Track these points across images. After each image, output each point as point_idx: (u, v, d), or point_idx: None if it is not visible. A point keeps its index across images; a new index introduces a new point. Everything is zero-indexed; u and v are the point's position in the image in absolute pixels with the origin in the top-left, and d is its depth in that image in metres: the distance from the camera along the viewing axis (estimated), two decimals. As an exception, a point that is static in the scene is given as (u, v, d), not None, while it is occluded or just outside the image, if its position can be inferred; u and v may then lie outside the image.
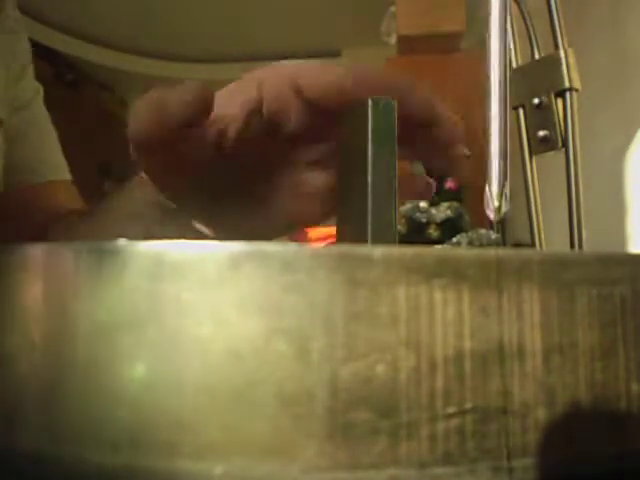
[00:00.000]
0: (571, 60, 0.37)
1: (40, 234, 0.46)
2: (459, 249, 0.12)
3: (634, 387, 0.12)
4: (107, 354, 0.11)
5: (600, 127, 0.86)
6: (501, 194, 0.21)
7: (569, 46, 0.36)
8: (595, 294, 0.12)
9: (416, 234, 1.42)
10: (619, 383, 0.12)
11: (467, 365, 0.11)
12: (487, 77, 0.23)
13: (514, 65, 0.38)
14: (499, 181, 0.21)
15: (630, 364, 0.12)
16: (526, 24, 0.36)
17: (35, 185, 0.49)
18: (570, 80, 0.36)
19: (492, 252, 0.12)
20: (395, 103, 0.22)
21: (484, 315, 0.11)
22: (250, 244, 0.10)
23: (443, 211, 1.41)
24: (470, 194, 1.49)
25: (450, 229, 1.41)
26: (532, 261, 0.12)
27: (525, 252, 0.12)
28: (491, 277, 0.11)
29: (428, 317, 0.11)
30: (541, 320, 0.11)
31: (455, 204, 1.42)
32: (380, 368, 0.10)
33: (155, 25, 2.89)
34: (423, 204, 1.42)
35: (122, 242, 0.11)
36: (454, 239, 1.39)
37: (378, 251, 0.11)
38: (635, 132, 0.84)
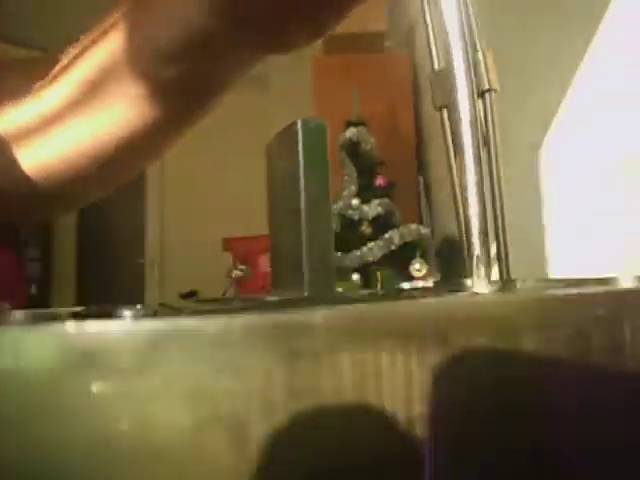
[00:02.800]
0: (490, 61, 0.38)
1: None
2: (403, 301, 0.11)
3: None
4: None
5: (516, 126, 0.89)
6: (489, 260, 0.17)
7: (487, 48, 0.37)
8: (541, 338, 0.12)
9: (349, 231, 1.44)
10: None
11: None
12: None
13: (436, 67, 0.39)
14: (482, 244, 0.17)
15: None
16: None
17: None
18: (489, 81, 0.37)
19: (438, 304, 0.11)
20: (326, 124, 0.21)
21: (432, 375, 0.10)
22: (172, 321, 0.09)
23: (374, 208, 1.43)
24: (399, 190, 1.52)
25: (382, 225, 1.43)
26: (479, 307, 0.11)
27: (471, 300, 0.11)
28: (439, 332, 0.11)
29: (375, 384, 0.10)
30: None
31: (386, 200, 1.44)
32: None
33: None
34: (355, 201, 1.43)
35: (18, 321, 0.09)
36: (386, 235, 1.42)
37: (318, 315, 0.10)
38: (548, 130, 0.88)
